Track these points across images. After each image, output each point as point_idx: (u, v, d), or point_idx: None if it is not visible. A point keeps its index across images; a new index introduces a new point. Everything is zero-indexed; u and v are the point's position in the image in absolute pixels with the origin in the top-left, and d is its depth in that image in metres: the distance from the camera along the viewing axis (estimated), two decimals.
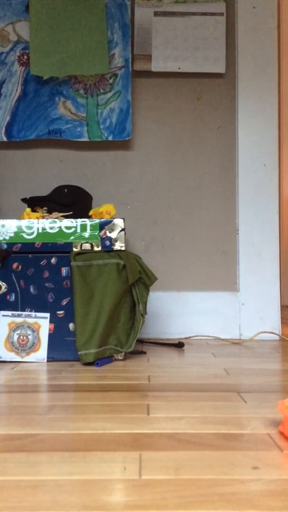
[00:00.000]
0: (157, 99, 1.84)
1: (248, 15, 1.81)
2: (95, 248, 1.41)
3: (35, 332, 1.38)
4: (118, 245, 1.42)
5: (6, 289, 1.41)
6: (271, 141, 1.80)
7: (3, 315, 1.39)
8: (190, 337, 1.77)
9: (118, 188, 1.83)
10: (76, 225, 1.42)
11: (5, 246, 1.41)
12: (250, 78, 1.80)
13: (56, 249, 1.41)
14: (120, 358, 1.38)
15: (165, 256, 1.83)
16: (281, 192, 1.81)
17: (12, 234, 1.41)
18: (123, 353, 1.38)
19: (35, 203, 1.57)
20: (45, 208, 1.55)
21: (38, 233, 1.41)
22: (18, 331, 1.38)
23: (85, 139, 1.78)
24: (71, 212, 1.53)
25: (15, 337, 1.38)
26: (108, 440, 0.76)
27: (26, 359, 1.37)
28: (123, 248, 1.42)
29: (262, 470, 0.65)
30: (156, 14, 1.79)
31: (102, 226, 1.42)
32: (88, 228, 1.42)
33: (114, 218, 1.43)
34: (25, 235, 1.41)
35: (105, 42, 1.73)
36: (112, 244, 1.42)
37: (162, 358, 1.41)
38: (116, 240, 1.42)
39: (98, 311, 1.36)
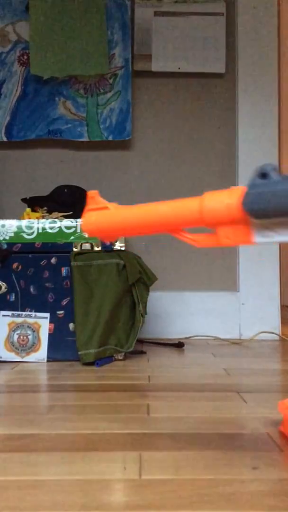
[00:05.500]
0: (157, 99, 1.84)
1: (248, 15, 1.81)
2: (95, 248, 1.41)
3: (35, 332, 1.38)
4: (118, 245, 1.42)
5: (6, 289, 1.41)
6: (271, 141, 1.80)
7: (3, 315, 1.39)
8: (190, 337, 1.77)
9: (118, 188, 1.83)
10: (76, 225, 1.42)
11: (5, 246, 1.41)
12: (250, 78, 1.80)
13: (56, 249, 1.41)
14: (120, 358, 1.38)
15: (165, 256, 1.83)
16: None
17: (12, 234, 1.41)
18: (123, 353, 1.38)
19: (35, 203, 1.57)
20: (45, 208, 1.55)
21: (38, 233, 1.41)
22: (18, 331, 1.38)
23: (85, 139, 1.78)
24: (71, 212, 1.53)
25: (15, 337, 1.38)
26: (108, 440, 0.76)
27: (26, 359, 1.37)
28: (123, 248, 1.42)
29: (262, 470, 0.65)
30: (156, 14, 1.79)
31: None
32: None
33: None
34: (25, 235, 1.41)
35: (105, 42, 1.73)
36: (112, 244, 1.42)
37: (162, 358, 1.41)
38: (116, 240, 1.42)
39: (98, 311, 1.36)
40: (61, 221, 1.42)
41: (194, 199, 0.61)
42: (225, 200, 0.58)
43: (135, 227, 0.65)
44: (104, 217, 0.68)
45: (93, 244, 1.41)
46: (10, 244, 1.41)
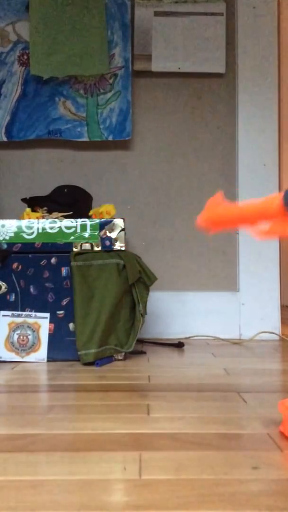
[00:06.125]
0: (157, 99, 1.84)
1: (248, 15, 1.81)
2: (95, 248, 1.41)
3: (35, 332, 1.38)
4: (118, 245, 1.42)
5: (6, 289, 1.41)
6: (271, 141, 1.80)
7: (3, 315, 1.39)
8: (190, 337, 1.77)
9: (118, 188, 1.83)
10: (76, 225, 1.42)
11: (5, 246, 1.41)
12: (250, 78, 1.80)
13: (56, 249, 1.41)
14: (120, 358, 1.38)
15: (165, 256, 1.83)
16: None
17: (12, 234, 1.41)
18: (123, 353, 1.38)
19: (35, 203, 1.57)
20: (45, 208, 1.55)
21: (38, 233, 1.41)
22: (18, 331, 1.38)
23: (85, 139, 1.77)
24: (71, 212, 1.53)
25: (15, 337, 1.38)
26: (108, 440, 0.76)
27: (26, 359, 1.37)
28: (123, 248, 1.42)
29: (262, 470, 0.65)
30: (156, 14, 1.79)
31: (102, 226, 1.42)
32: (88, 228, 1.42)
33: (114, 218, 1.43)
34: (25, 235, 1.41)
35: (105, 42, 1.73)
36: (112, 244, 1.42)
37: (162, 358, 1.41)
38: (116, 240, 1.42)
39: (98, 311, 1.36)
40: (61, 221, 1.42)
41: (270, 199, 0.76)
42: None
43: (231, 222, 0.82)
44: (215, 212, 0.83)
45: (93, 244, 1.41)
46: (10, 244, 1.41)
